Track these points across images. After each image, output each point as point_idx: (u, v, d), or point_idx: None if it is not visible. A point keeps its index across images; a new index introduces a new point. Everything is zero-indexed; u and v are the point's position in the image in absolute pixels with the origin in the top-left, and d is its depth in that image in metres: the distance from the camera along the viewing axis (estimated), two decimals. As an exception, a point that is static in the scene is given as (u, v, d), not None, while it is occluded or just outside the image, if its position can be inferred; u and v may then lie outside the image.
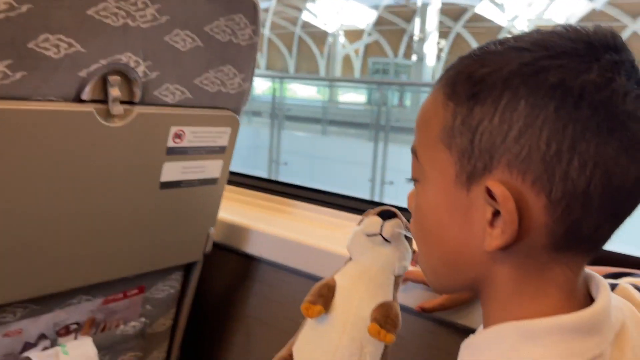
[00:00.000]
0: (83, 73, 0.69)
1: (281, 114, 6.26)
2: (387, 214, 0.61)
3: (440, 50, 13.58)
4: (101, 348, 0.88)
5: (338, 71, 16.13)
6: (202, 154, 0.87)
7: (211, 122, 0.86)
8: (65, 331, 0.85)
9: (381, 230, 0.60)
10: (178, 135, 0.82)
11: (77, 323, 0.86)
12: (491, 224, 0.39)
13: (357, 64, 16.55)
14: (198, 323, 1.21)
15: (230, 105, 0.87)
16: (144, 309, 0.95)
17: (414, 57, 13.53)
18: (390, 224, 0.60)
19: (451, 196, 0.41)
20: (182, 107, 0.82)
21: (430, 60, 13.14)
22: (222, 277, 1.19)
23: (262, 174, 6.12)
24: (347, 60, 16.51)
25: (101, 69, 0.70)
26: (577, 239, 0.39)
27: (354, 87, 12.52)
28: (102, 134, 0.73)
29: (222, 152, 0.89)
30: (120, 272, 0.86)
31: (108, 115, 0.73)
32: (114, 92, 0.72)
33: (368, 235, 0.61)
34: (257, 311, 1.13)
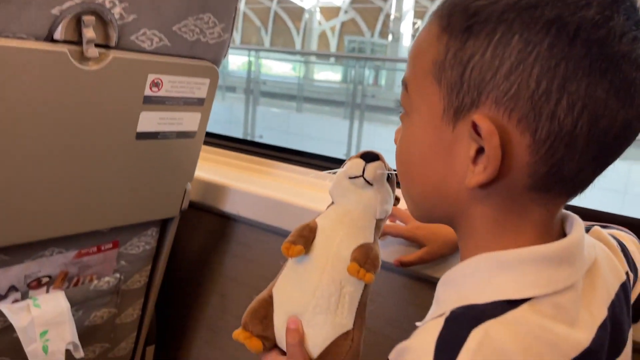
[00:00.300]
0: (56, 11, 0.66)
1: (256, 89, 6.19)
2: (369, 156, 0.60)
3: (416, 30, 13.57)
4: (74, 303, 0.86)
5: (314, 48, 15.97)
6: (179, 105, 0.84)
7: (189, 72, 0.83)
8: (37, 284, 0.83)
9: (363, 172, 0.59)
10: (155, 84, 0.80)
11: (49, 276, 0.84)
12: (474, 160, 0.39)
13: (333, 42, 16.41)
14: (173, 282, 1.19)
15: (209, 55, 0.85)
16: (119, 265, 0.93)
17: (390, 37, 13.49)
18: (372, 166, 0.59)
19: (437, 130, 0.41)
20: (160, 55, 0.79)
21: (406, 40, 13.12)
22: (198, 237, 1.18)
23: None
24: (323, 37, 16.36)
25: (75, 8, 0.67)
26: (559, 180, 0.39)
27: (330, 64, 12.44)
28: (75, 77, 0.71)
29: (200, 104, 0.87)
30: (94, 225, 0.84)
31: (82, 57, 0.71)
32: (89, 33, 0.69)
33: (350, 178, 0.60)
34: (233, 271, 1.12)
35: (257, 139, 5.44)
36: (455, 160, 0.40)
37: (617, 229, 0.58)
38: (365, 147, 0.65)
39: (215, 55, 0.86)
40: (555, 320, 0.38)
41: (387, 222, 0.78)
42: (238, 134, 5.87)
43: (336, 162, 1.13)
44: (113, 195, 0.84)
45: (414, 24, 13.46)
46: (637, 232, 0.59)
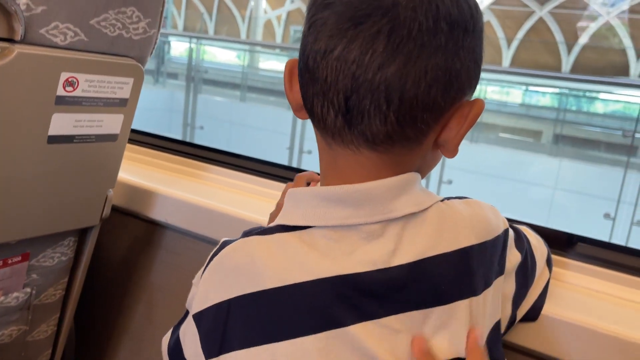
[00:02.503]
0: (-54, -2, 0.57)
1: (198, 77, 6.01)
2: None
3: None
4: (-24, 322, 0.78)
5: (259, 37, 15.74)
6: (99, 106, 0.77)
7: (110, 71, 0.76)
8: None
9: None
10: (70, 83, 0.72)
11: (-56, 294, 0.75)
12: None
13: (279, 31, 16.25)
14: (95, 291, 1.11)
15: (134, 52, 0.78)
16: (29, 278, 0.84)
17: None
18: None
19: None
20: (76, 51, 0.72)
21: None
22: (124, 243, 1.10)
23: (177, 137, 5.86)
24: (268, 26, 16.17)
25: (-29, -4, 0.59)
26: (313, 114, 0.47)
27: (276, 54, 12.29)
28: (-28, 74, 0.62)
29: (123, 105, 0.80)
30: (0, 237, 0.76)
31: (-19, 52, 0.62)
32: (-12, 25, 0.61)
33: None
34: (162, 280, 1.06)
35: (197, 130, 5.28)
36: None
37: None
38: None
39: (140, 52, 0.79)
40: (313, 247, 0.45)
41: None
42: (179, 122, 5.68)
43: (277, 168, 1.08)
44: (21, 204, 0.75)
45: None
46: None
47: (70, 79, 0.72)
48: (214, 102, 8.11)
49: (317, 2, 0.45)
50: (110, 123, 0.80)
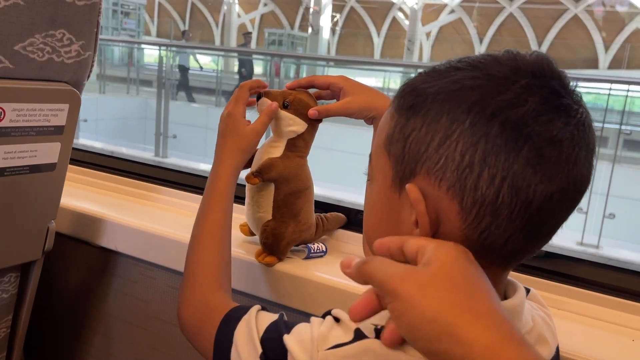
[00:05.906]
0: None
1: (170, 84, 5.92)
2: (258, 96, 0.74)
3: (335, 23, 13.64)
4: None
5: (233, 41, 15.66)
6: (31, 136, 0.73)
7: (42, 98, 0.72)
8: None
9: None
10: (-5, 114, 0.67)
11: None
12: (416, 225, 0.42)
13: (253, 34, 16.16)
14: (49, 325, 1.06)
15: (67, 77, 0.74)
16: (-33, 320, 0.80)
17: (310, 30, 13.47)
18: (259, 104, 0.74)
19: (388, 197, 0.45)
20: (0, 79, 0.67)
21: (326, 33, 13.15)
22: (76, 272, 1.05)
23: (150, 147, 5.78)
24: (242, 29, 16.08)
25: None
26: (490, 247, 0.41)
27: (250, 57, 12.22)
28: None
29: (59, 132, 0.76)
30: None
31: None
32: None
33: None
34: (117, 309, 1.01)
35: (170, 139, 5.20)
36: (402, 225, 0.44)
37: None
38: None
39: (75, 76, 0.75)
40: None
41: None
42: (153, 130, 5.60)
43: (241, 188, 1.04)
44: (-50, 244, 0.71)
45: (332, 17, 13.51)
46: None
47: (-5, 110, 0.67)
48: (188, 108, 8.02)
49: None
50: (46, 152, 0.75)
